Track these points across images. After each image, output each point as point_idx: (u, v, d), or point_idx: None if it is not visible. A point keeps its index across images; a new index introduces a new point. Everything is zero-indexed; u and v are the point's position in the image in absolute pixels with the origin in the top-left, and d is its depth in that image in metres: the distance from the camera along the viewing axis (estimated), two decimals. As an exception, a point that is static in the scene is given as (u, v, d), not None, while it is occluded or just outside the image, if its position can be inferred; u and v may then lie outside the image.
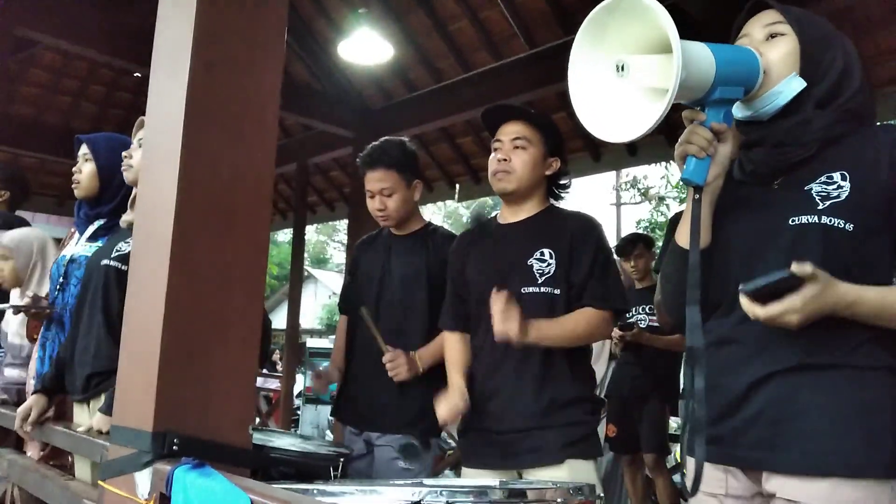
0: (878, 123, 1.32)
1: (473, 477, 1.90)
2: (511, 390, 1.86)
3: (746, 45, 1.28)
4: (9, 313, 2.77)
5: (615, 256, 4.36)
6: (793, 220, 1.22)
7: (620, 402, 4.16)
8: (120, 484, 1.26)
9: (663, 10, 1.05)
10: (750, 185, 1.29)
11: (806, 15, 1.29)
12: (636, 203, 20.02)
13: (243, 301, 1.33)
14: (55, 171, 7.84)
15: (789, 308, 1.09)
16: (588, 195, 14.97)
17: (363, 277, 2.49)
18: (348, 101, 6.19)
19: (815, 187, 1.21)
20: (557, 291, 1.87)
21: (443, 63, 5.59)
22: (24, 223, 3.34)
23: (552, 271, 1.88)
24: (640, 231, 11.94)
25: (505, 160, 1.94)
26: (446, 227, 2.67)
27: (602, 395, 4.15)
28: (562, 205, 2.08)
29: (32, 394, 2.18)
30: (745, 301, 1.13)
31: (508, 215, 2.04)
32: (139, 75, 6.30)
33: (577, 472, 1.77)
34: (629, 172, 19.10)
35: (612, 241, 3.80)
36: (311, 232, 29.27)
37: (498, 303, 1.73)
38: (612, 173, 19.01)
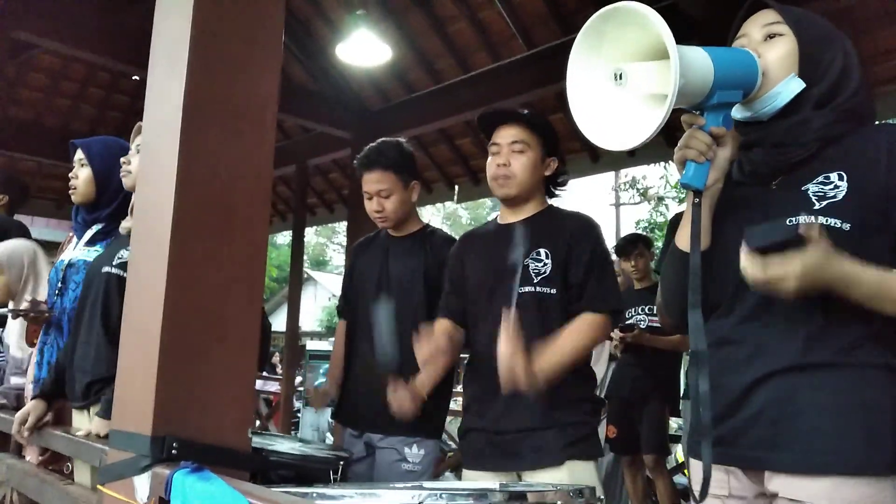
0: (878, 123, 1.31)
1: (474, 479, 1.90)
2: (510, 392, 1.86)
3: (745, 45, 1.28)
4: (10, 326, 2.77)
5: (615, 256, 4.39)
6: (790, 221, 1.22)
7: (621, 403, 4.16)
8: (119, 488, 1.25)
9: (659, 17, 1.05)
10: (748, 185, 1.29)
11: (805, 14, 1.29)
12: (635, 203, 20.03)
13: (242, 303, 1.33)
14: (54, 174, 7.84)
15: (790, 273, 1.07)
16: (587, 196, 14.96)
17: (361, 279, 2.49)
18: (347, 102, 6.19)
19: (812, 187, 1.22)
20: (553, 291, 1.87)
21: (441, 64, 5.59)
22: (22, 227, 3.34)
23: (548, 271, 1.88)
24: (640, 231, 11.96)
25: (505, 165, 1.94)
26: (446, 228, 2.67)
27: (602, 396, 4.15)
28: (561, 205, 2.08)
29: (32, 399, 2.18)
30: (746, 259, 1.11)
31: (508, 215, 2.04)
32: (137, 78, 6.30)
33: (577, 473, 1.77)
34: (628, 173, 19.12)
35: (612, 242, 3.81)
36: (311, 234, 29.31)
37: (504, 347, 1.69)
38: (611, 174, 19.03)
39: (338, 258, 32.27)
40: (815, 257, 1.07)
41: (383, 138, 2.47)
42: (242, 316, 1.33)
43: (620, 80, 1.12)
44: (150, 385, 1.21)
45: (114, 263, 2.11)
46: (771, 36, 1.27)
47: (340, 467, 1.66)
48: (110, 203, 2.38)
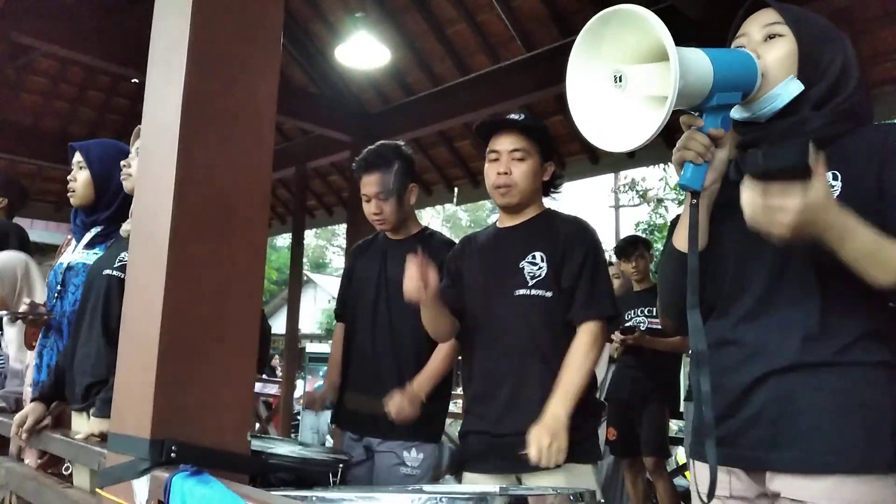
0: (876, 123, 1.31)
1: (474, 482, 1.90)
2: (509, 394, 1.86)
3: (744, 45, 1.28)
4: (8, 336, 2.77)
5: (615, 258, 4.39)
6: None
7: (621, 406, 4.16)
8: (118, 491, 1.25)
9: (658, 20, 1.05)
10: None
11: (805, 14, 1.28)
12: (635, 205, 20.05)
13: (241, 306, 1.33)
14: (53, 177, 7.83)
15: (789, 205, 1.03)
16: (586, 198, 14.98)
17: (359, 283, 2.49)
18: (346, 105, 6.19)
19: None
20: (549, 294, 1.88)
21: (440, 66, 5.60)
22: (20, 231, 3.34)
23: (543, 274, 1.88)
24: (639, 233, 11.96)
25: (506, 173, 1.94)
26: (446, 230, 2.67)
27: (602, 399, 4.14)
28: (560, 207, 2.09)
29: (31, 401, 2.18)
30: (747, 183, 1.07)
31: (506, 220, 2.04)
32: (137, 81, 6.30)
33: (576, 476, 1.77)
34: (627, 175, 19.12)
35: (611, 244, 3.80)
36: (311, 236, 29.31)
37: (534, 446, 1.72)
38: (611, 176, 19.01)
39: (337, 261, 32.27)
40: (818, 195, 1.03)
41: (382, 141, 2.47)
42: (241, 318, 1.32)
43: (620, 82, 1.12)
44: (148, 388, 1.21)
45: (115, 266, 2.10)
46: (771, 36, 1.26)
47: (340, 470, 1.66)
48: (109, 206, 2.38)
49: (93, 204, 2.39)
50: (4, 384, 2.86)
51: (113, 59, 5.14)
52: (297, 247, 7.74)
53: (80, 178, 2.37)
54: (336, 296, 2.69)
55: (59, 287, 2.36)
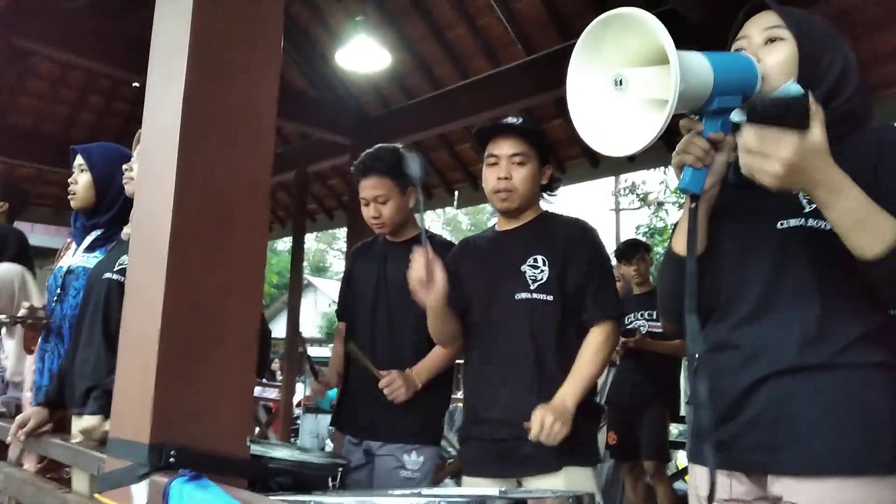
0: (875, 126, 1.31)
1: (473, 485, 1.89)
2: (508, 398, 1.86)
3: (745, 47, 1.28)
4: (7, 348, 2.77)
5: (615, 261, 4.39)
6: (781, 224, 1.23)
7: (621, 409, 4.15)
8: (116, 497, 1.25)
9: (659, 23, 1.05)
10: (743, 188, 1.30)
11: (806, 17, 1.28)
12: (635, 208, 20.06)
13: (241, 309, 1.32)
14: (53, 181, 7.83)
15: (781, 154, 1.01)
16: (587, 201, 14.98)
17: (359, 285, 2.49)
18: (346, 108, 6.19)
19: None
20: (551, 298, 1.87)
21: (440, 70, 5.60)
22: (20, 236, 3.34)
23: (545, 278, 1.88)
24: (639, 236, 11.96)
25: (506, 178, 1.94)
26: (446, 234, 2.68)
27: (602, 402, 4.14)
28: (559, 210, 2.08)
29: (36, 405, 2.17)
30: (744, 129, 1.06)
31: (505, 223, 2.04)
32: (137, 85, 6.30)
33: (575, 479, 1.77)
34: (628, 178, 19.16)
35: (612, 248, 3.81)
36: (311, 240, 29.28)
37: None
38: (611, 179, 19.04)
39: (338, 264, 32.25)
40: (814, 141, 1.02)
41: (380, 144, 2.47)
42: (241, 322, 1.32)
43: (620, 85, 1.12)
44: (148, 393, 1.21)
45: (115, 269, 2.10)
46: (772, 39, 1.26)
47: (339, 474, 1.66)
48: (109, 209, 2.38)
49: (93, 207, 2.39)
50: (6, 390, 2.85)
51: (113, 62, 5.14)
52: (298, 250, 7.74)
53: (81, 181, 2.37)
54: (336, 300, 2.71)
55: (58, 290, 2.36)
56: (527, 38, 4.92)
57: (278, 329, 10.60)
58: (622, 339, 3.96)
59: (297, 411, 8.12)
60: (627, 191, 20.01)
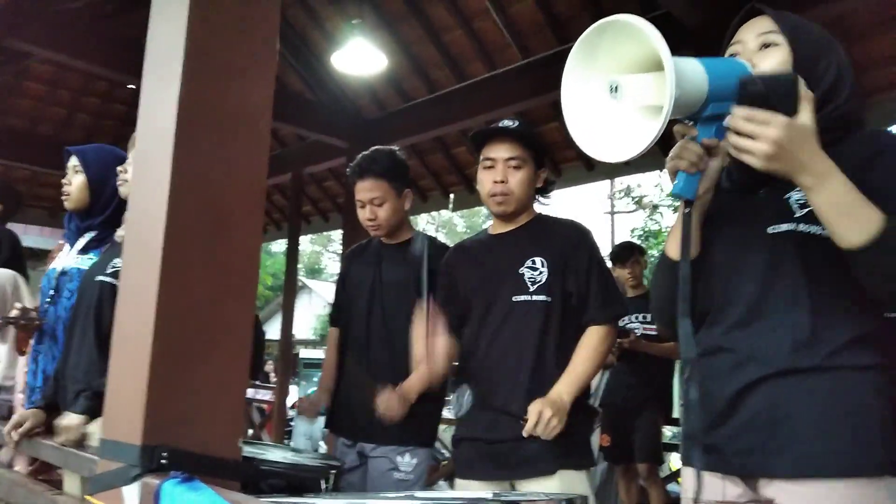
0: (868, 130, 1.31)
1: (467, 488, 1.89)
2: (503, 400, 1.86)
3: (739, 52, 1.28)
4: (1, 359, 2.76)
5: (611, 264, 4.40)
6: (771, 229, 1.24)
7: (615, 412, 4.16)
8: (107, 498, 1.24)
9: (655, 30, 1.05)
10: (736, 193, 1.31)
11: (800, 22, 1.29)
12: (630, 212, 20.10)
13: (235, 311, 1.32)
14: (48, 182, 7.81)
15: (770, 134, 1.03)
16: (582, 204, 15.00)
17: (354, 287, 2.49)
18: (342, 111, 6.19)
19: (795, 195, 1.23)
20: (550, 299, 1.88)
21: (437, 73, 5.60)
22: (13, 237, 3.33)
23: (544, 279, 1.88)
24: (634, 239, 11.98)
25: (502, 182, 1.94)
26: (441, 237, 2.67)
27: (596, 405, 4.14)
28: (551, 212, 2.09)
29: (34, 408, 2.16)
30: (734, 108, 1.07)
31: (500, 226, 2.04)
32: (133, 87, 6.28)
33: (569, 482, 1.77)
34: (623, 181, 19.20)
35: (607, 250, 3.82)
36: (306, 242, 29.28)
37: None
38: (606, 182, 19.08)
39: (333, 266, 32.21)
40: (803, 124, 1.04)
41: (376, 146, 2.47)
42: (235, 324, 1.32)
43: (616, 92, 1.12)
44: (140, 394, 1.20)
45: (107, 272, 2.10)
46: (766, 45, 1.27)
47: (332, 476, 1.65)
48: (103, 210, 2.38)
49: (87, 208, 2.38)
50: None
51: (109, 64, 5.12)
52: (293, 252, 7.73)
53: (75, 182, 2.36)
54: (331, 302, 2.69)
55: (52, 292, 2.35)
56: (523, 41, 4.93)
57: (273, 331, 10.58)
58: (618, 341, 3.96)
59: (291, 413, 8.10)
60: (622, 194, 20.07)
